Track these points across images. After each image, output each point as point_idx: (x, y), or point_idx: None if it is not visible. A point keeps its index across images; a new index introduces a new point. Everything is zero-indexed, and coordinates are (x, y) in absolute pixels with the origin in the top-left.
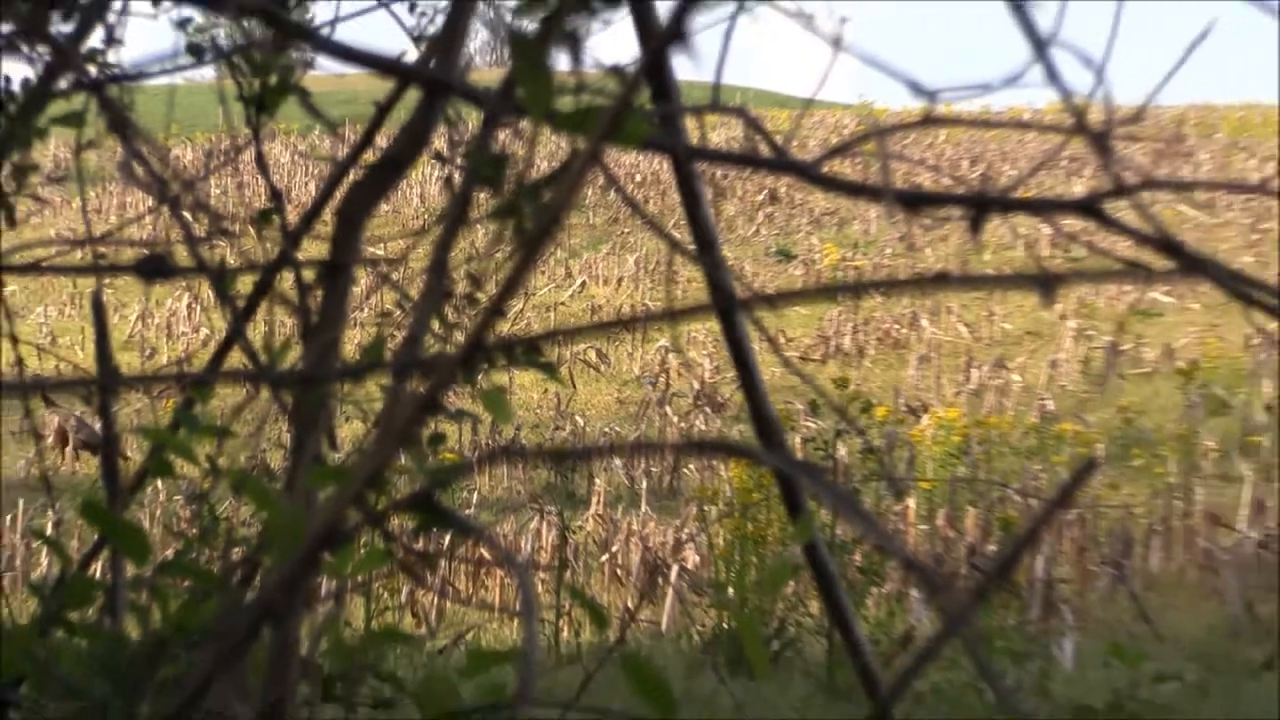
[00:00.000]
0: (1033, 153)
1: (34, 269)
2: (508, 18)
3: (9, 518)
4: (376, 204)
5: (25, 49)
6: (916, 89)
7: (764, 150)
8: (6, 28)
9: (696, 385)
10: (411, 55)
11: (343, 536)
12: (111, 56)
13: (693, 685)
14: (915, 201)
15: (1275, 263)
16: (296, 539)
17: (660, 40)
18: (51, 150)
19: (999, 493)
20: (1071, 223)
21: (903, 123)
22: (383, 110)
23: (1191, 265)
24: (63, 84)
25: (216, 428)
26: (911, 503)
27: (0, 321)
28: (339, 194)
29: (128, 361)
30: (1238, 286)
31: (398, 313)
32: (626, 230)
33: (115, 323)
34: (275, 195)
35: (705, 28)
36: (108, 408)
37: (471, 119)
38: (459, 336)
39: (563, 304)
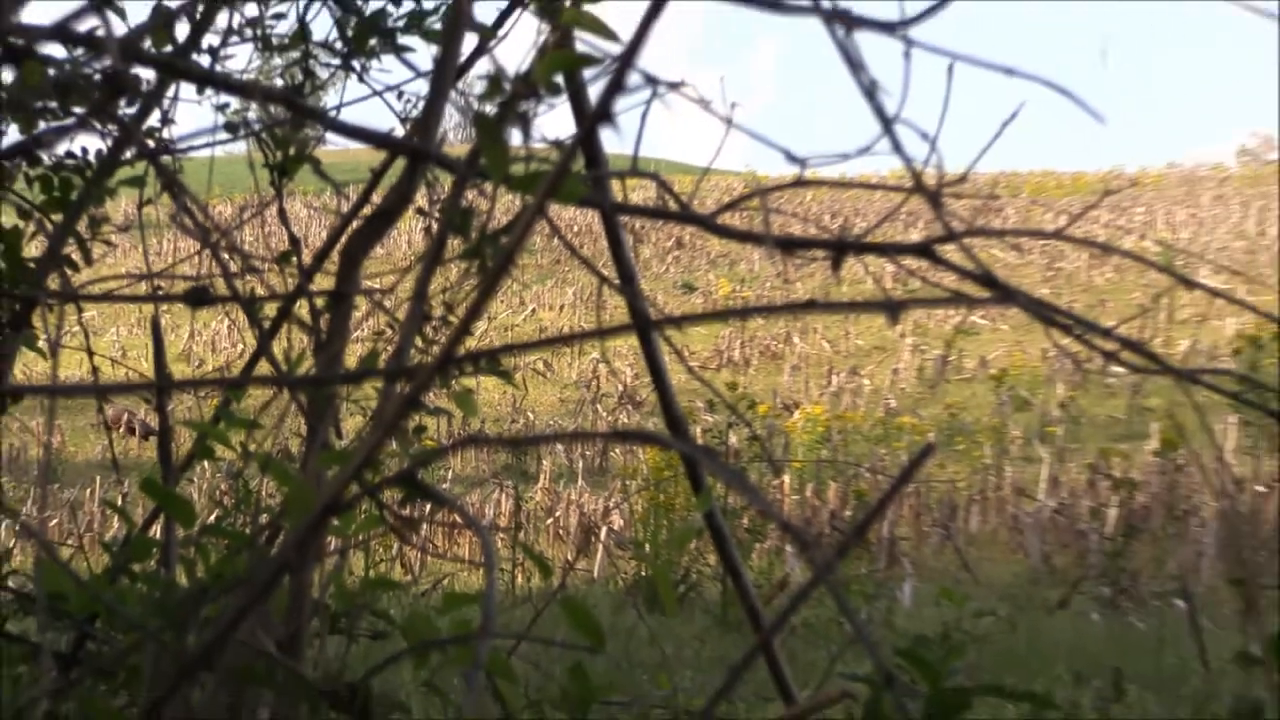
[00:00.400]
0: (879, 208)
1: (107, 298)
2: (474, 103)
3: (87, 491)
4: (372, 247)
5: (98, 127)
6: (790, 157)
7: (672, 206)
8: (82, 110)
9: (620, 388)
10: (399, 132)
11: (345, 505)
12: (165, 133)
13: (617, 620)
14: (789, 245)
15: (1066, 294)
16: (309, 507)
17: (591, 120)
18: (121, 206)
19: (854, 471)
20: (910, 262)
21: (779, 184)
22: (377, 175)
23: (1003, 295)
24: (127, 154)
25: (247, 421)
26: (786, 479)
27: (42, 340)
28: (343, 239)
29: (181, 370)
30: (1039, 311)
31: (388, 332)
32: (566, 268)
33: (170, 340)
34: (293, 241)
35: (626, 110)
36: (163, 406)
37: (445, 182)
38: (436, 350)
39: (517, 325)
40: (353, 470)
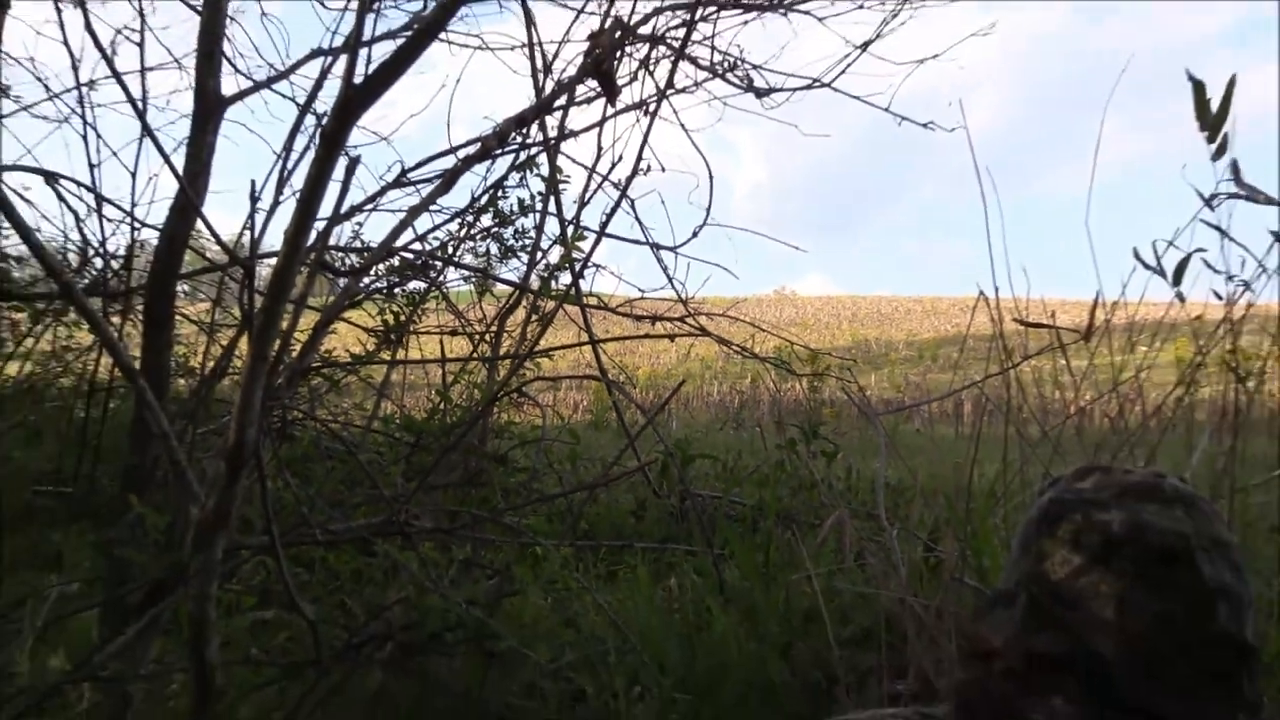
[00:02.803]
0: (669, 308)
1: (425, 332)
2: (543, 271)
3: (417, 393)
4: (509, 317)
5: (421, 281)
6: (640, 290)
7: (603, 305)
8: (411, 274)
9: (586, 365)
10: (516, 279)
11: (500, 398)
12: (442, 281)
13: (584, 435)
14: (639, 318)
15: (728, 336)
16: (488, 398)
17: (576, 276)
18: (430, 305)
19: (661, 390)
20: (691, 335)
21: (639, 298)
22: (509, 295)
23: (701, 333)
24: (432, 290)
25: (470, 374)
26: (638, 390)
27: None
28: (499, 314)
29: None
30: (717, 339)
31: (512, 343)
32: (568, 325)
33: (448, 348)
34: (485, 317)
35: (592, 276)
36: (445, 369)
37: (530, 296)
38: (527, 347)
39: (552, 342)
40: (500, 387)
